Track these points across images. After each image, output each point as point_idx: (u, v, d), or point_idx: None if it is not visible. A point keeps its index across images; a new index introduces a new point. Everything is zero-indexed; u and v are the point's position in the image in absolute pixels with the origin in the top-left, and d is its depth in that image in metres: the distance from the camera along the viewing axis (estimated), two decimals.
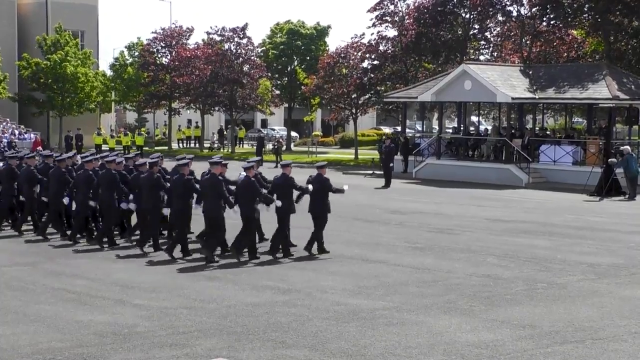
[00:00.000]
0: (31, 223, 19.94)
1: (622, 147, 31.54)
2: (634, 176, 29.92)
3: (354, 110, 52.25)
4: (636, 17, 41.87)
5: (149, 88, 60.23)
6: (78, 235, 18.17)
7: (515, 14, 47.13)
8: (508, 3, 46.91)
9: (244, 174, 16.40)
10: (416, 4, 48.44)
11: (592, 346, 10.49)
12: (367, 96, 52.03)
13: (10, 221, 20.29)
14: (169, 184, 17.14)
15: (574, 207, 26.62)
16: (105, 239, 17.57)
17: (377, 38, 50.05)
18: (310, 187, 16.66)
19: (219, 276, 14.52)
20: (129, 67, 62.20)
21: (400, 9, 49.84)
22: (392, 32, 50.38)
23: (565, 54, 47.01)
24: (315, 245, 16.76)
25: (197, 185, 16.56)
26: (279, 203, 16.08)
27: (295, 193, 16.77)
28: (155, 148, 53.93)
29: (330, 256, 16.64)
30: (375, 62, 50.42)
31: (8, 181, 19.87)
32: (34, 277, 14.31)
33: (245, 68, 57.59)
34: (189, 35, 61.61)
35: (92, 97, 59.65)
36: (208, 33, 59.18)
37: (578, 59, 45.68)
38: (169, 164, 20.34)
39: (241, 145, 64.81)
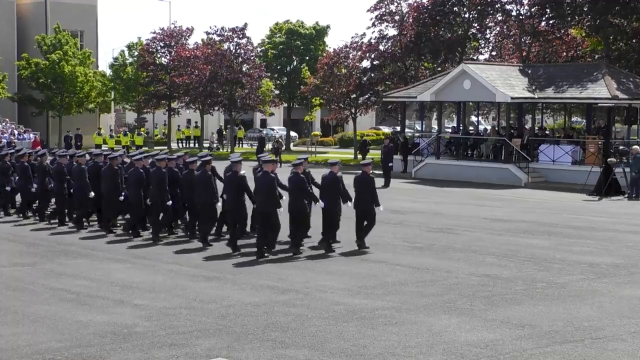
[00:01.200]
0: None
1: (632, 147, 31.41)
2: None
3: (353, 110, 52.28)
4: (635, 18, 41.87)
5: (149, 88, 60.23)
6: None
7: (514, 13, 47.19)
8: (507, 2, 46.95)
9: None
10: (415, 4, 48.47)
11: (592, 345, 10.50)
12: (366, 96, 52.05)
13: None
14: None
15: (573, 207, 26.63)
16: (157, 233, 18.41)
17: (378, 37, 50.06)
18: (350, 204, 17.44)
19: (218, 276, 14.52)
20: (129, 67, 62.20)
21: (400, 8, 49.86)
22: (392, 32, 50.43)
23: (565, 54, 47.03)
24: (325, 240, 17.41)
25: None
26: (322, 204, 17.10)
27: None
28: (155, 148, 53.89)
29: (330, 255, 16.68)
30: (375, 61, 50.44)
31: (58, 179, 20.68)
32: (33, 278, 14.30)
33: (245, 68, 57.59)
34: (189, 36, 61.64)
35: (91, 97, 59.65)
36: (207, 33, 59.22)
37: (577, 58, 45.69)
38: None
39: (240, 145, 64.82)
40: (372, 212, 17.35)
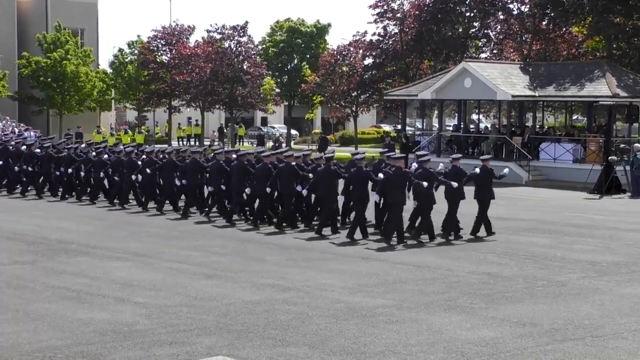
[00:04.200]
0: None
1: (633, 145, 31.36)
2: None
3: (354, 108, 52.25)
4: (637, 16, 41.82)
5: (149, 86, 60.22)
6: (259, 221, 20.57)
7: (515, 12, 47.17)
8: (509, 1, 46.94)
9: (415, 165, 19.60)
10: (417, 2, 48.44)
11: (592, 344, 10.49)
12: (367, 94, 52.05)
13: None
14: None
15: (574, 205, 26.61)
16: (285, 223, 20.04)
17: (381, 33, 50.03)
18: (477, 169, 19.48)
19: (218, 274, 14.52)
20: (129, 65, 62.20)
21: (402, 6, 49.84)
22: (393, 29, 50.41)
23: (566, 52, 47.00)
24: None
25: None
26: (455, 184, 18.62)
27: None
28: (155, 146, 53.91)
29: (331, 254, 16.69)
30: (377, 59, 50.44)
31: (218, 175, 21.95)
32: (34, 276, 14.29)
33: (246, 66, 57.58)
34: (190, 34, 61.63)
35: (92, 95, 59.65)
36: (208, 31, 59.25)
37: (578, 56, 45.65)
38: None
39: (241, 143, 64.83)
40: (488, 202, 19.50)
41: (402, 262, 15.83)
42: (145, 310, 11.84)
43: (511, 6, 47.25)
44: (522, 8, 46.84)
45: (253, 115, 78.41)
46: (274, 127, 73.31)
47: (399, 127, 50.15)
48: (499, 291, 13.42)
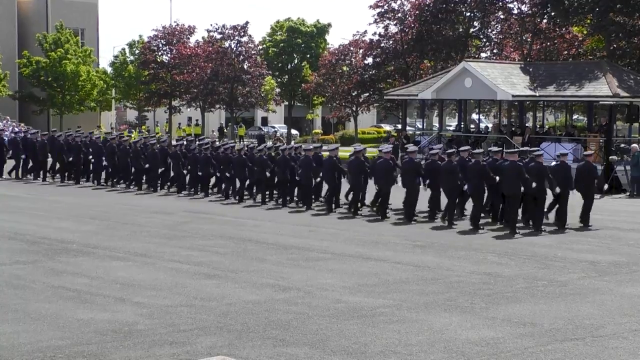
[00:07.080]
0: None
1: (632, 145, 31.36)
2: None
3: (354, 108, 52.26)
4: (638, 15, 41.82)
5: (150, 86, 60.26)
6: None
7: (515, 11, 47.20)
8: (509, 0, 46.98)
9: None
10: (417, 2, 48.48)
11: (593, 344, 10.49)
12: (367, 94, 52.12)
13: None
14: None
15: (574, 205, 26.56)
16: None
17: (381, 33, 50.10)
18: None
19: (218, 274, 14.52)
20: (130, 65, 62.24)
21: (402, 6, 49.87)
22: (393, 29, 50.46)
23: (566, 52, 47.01)
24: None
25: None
26: (557, 190, 20.09)
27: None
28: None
29: (331, 254, 16.70)
30: (377, 59, 50.48)
31: (333, 171, 23.50)
32: (34, 276, 14.28)
33: (246, 66, 57.64)
34: (190, 34, 61.66)
35: (92, 95, 59.71)
36: (208, 31, 59.29)
37: (578, 56, 45.65)
38: None
39: (242, 143, 64.85)
40: (592, 194, 21.07)
41: (402, 262, 15.83)
42: (145, 310, 11.84)
43: (511, 5, 47.30)
44: (522, 7, 46.85)
45: (253, 115, 78.45)
46: (274, 127, 73.31)
47: (399, 126, 50.16)
48: (500, 291, 13.42)
